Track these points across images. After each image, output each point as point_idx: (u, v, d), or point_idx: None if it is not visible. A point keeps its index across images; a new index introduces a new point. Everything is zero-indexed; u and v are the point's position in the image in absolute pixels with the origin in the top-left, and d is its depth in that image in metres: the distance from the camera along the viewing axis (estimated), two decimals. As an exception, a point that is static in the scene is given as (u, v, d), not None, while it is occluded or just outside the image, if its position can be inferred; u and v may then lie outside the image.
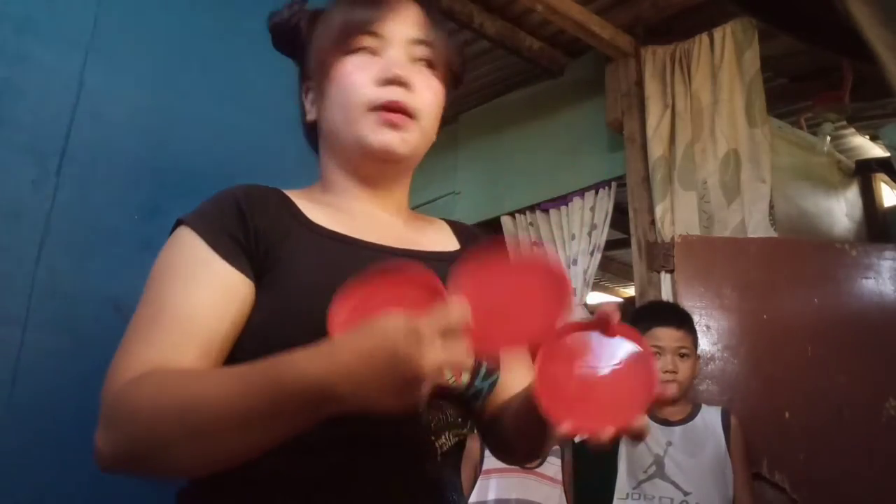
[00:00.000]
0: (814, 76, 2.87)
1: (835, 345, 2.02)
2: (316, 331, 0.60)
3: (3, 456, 0.90)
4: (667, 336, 1.86)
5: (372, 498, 0.65)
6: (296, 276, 0.70)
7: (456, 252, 0.86)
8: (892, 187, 3.23)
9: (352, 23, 0.78)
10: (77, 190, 1.04)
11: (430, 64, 0.81)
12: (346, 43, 0.78)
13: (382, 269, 0.63)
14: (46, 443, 0.93)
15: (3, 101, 1.00)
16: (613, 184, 2.79)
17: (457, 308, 0.55)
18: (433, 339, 0.53)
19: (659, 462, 1.80)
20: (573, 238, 2.87)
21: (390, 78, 0.75)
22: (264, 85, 1.27)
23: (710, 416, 1.84)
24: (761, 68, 2.40)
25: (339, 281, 0.67)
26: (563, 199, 2.97)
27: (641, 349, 0.63)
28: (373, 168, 0.81)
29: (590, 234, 2.81)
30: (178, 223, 0.73)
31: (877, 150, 3.41)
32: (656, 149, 2.46)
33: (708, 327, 2.11)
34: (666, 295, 2.27)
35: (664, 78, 2.55)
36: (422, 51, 0.80)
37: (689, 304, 2.12)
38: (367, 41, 0.78)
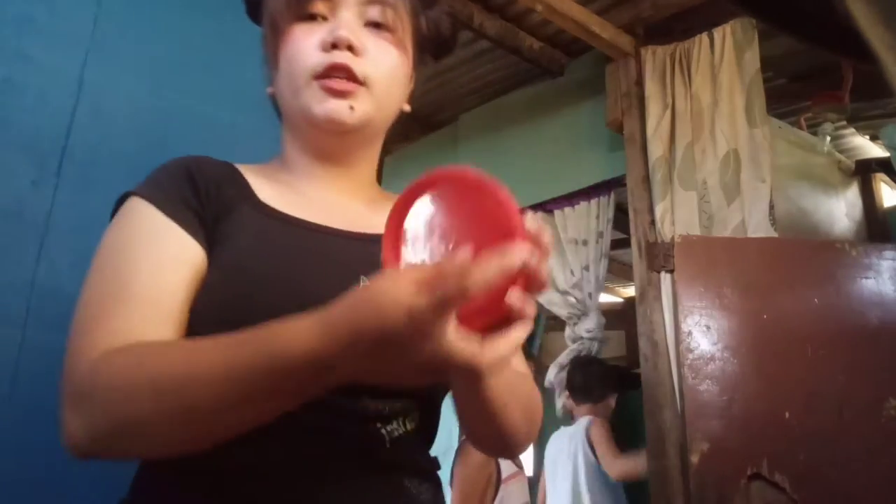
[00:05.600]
0: (814, 76, 2.87)
1: (835, 345, 2.02)
2: (252, 314, 0.56)
3: (4, 455, 0.90)
4: None
5: (318, 485, 0.61)
6: (235, 257, 0.66)
7: None
8: (892, 187, 3.22)
9: None
10: (77, 190, 1.04)
11: (388, 27, 0.74)
12: (296, 7, 0.73)
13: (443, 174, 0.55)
14: (46, 442, 0.93)
15: (3, 101, 1.00)
16: (614, 192, 2.82)
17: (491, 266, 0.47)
18: (441, 322, 0.47)
19: None
20: (585, 244, 2.89)
21: (333, 41, 0.70)
22: (264, 85, 1.27)
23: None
24: (761, 68, 2.39)
25: (277, 264, 0.65)
26: (566, 200, 2.97)
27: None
28: (325, 141, 0.76)
29: (598, 242, 2.84)
30: (128, 195, 0.70)
31: (877, 150, 3.41)
32: (656, 149, 2.45)
33: (708, 327, 2.11)
34: (666, 295, 2.27)
35: (664, 78, 2.54)
36: (377, 12, 0.73)
37: (689, 304, 2.12)
38: (319, 6, 0.73)
